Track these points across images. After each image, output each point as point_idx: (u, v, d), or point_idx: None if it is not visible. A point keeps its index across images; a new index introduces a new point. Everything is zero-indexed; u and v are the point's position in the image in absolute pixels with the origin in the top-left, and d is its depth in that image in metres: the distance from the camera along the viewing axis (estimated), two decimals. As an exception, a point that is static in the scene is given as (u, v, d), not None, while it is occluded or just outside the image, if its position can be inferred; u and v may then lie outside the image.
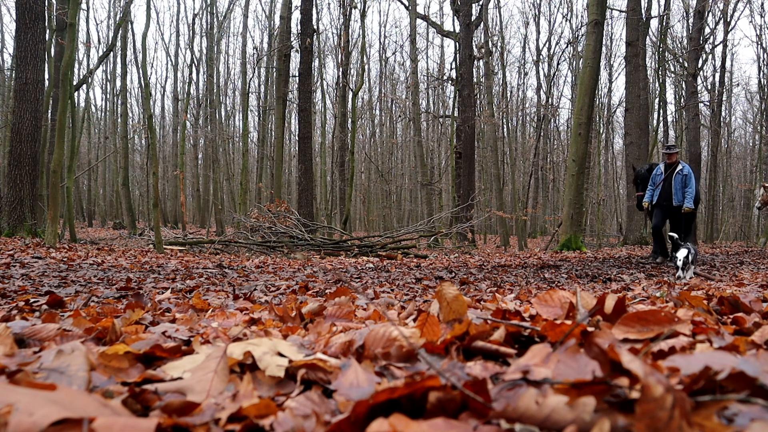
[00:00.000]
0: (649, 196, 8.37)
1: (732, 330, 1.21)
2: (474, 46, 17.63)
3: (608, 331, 0.99)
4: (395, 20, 63.90)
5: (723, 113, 26.55)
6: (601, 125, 26.75)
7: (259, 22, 46.59)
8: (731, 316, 1.43)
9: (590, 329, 0.94)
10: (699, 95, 21.35)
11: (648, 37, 19.98)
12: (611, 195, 29.57)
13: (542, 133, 26.92)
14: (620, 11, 19.54)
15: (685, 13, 25.03)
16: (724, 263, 8.23)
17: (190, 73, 24.69)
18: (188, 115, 27.50)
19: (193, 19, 28.94)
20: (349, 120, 19.44)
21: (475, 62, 18.59)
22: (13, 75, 13.59)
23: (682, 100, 24.08)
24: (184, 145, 21.98)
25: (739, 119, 37.54)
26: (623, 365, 0.64)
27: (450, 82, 20.22)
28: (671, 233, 7.00)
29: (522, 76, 31.22)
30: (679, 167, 8.13)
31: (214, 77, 28.64)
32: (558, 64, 27.79)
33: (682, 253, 5.88)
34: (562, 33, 40.35)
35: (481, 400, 0.65)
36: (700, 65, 21.40)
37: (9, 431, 0.54)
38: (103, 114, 35.27)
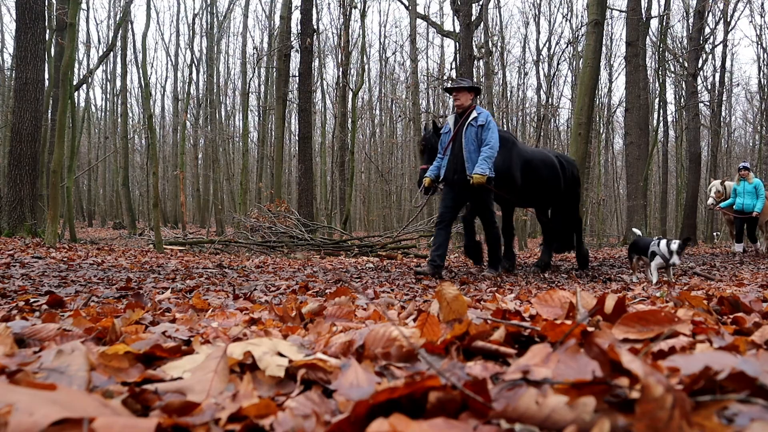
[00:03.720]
0: (434, 169, 5.90)
1: (732, 330, 1.21)
2: (474, 46, 17.62)
3: (608, 331, 0.99)
4: (395, 20, 63.88)
5: (723, 113, 26.54)
6: (601, 125, 26.75)
7: (259, 22, 46.60)
8: (731, 316, 1.43)
9: (590, 329, 0.94)
10: (699, 95, 21.35)
11: (648, 37, 19.97)
12: (611, 195, 29.57)
13: (542, 133, 26.90)
14: (620, 11, 19.54)
15: (685, 13, 25.03)
16: (724, 263, 8.23)
17: (190, 73, 24.69)
18: (188, 115, 27.49)
19: (193, 19, 28.94)
20: (349, 120, 19.44)
21: (475, 62, 18.58)
22: (13, 75, 13.59)
23: (682, 100, 24.07)
24: (184, 145, 21.98)
25: (739, 119, 37.53)
26: (623, 365, 0.64)
27: (450, 82, 20.21)
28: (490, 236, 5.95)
29: (522, 76, 31.20)
30: (473, 115, 5.66)
31: (214, 77, 28.64)
32: (558, 64, 27.78)
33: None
34: (562, 33, 40.32)
35: (481, 400, 0.65)
36: (700, 65, 21.40)
37: (9, 431, 0.54)
38: (103, 114, 35.28)
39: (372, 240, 10.63)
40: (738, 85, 32.46)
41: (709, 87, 26.12)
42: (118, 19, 25.03)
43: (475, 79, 18.21)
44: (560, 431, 0.59)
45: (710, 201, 11.03)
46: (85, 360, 0.84)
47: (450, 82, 19.73)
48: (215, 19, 28.79)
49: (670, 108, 28.00)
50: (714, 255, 10.85)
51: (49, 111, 14.12)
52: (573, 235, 7.27)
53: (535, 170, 6.53)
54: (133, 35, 29.35)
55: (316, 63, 24.49)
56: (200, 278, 4.33)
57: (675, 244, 5.03)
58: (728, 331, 1.16)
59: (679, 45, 26.18)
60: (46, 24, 11.70)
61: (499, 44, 24.15)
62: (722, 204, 10.62)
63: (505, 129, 28.15)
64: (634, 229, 5.83)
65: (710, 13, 21.74)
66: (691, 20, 21.95)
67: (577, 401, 0.61)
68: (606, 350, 0.76)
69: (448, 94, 6.12)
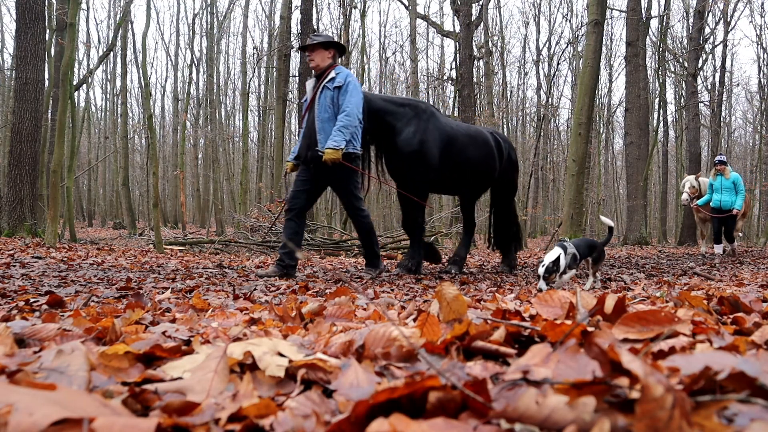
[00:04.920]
0: (296, 148, 4.97)
1: (732, 330, 1.21)
2: (474, 46, 17.62)
3: (608, 331, 0.99)
4: (395, 20, 63.89)
5: (723, 113, 26.54)
6: (601, 125, 26.76)
7: (259, 22, 46.61)
8: (731, 316, 1.43)
9: (590, 329, 0.94)
10: (699, 95, 21.36)
11: (648, 37, 19.98)
12: (611, 195, 29.57)
13: (542, 133, 26.90)
14: (620, 11, 19.55)
15: (685, 13, 25.04)
16: (724, 263, 8.23)
17: (190, 73, 24.70)
18: (188, 115, 27.50)
19: (193, 19, 28.95)
20: (349, 120, 19.40)
21: (475, 62, 18.58)
22: (13, 75, 13.59)
23: (682, 100, 24.08)
24: (184, 145, 21.98)
25: (739, 119, 37.53)
26: (623, 365, 0.64)
27: (450, 82, 20.23)
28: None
29: (522, 76, 31.23)
30: (330, 76, 4.71)
31: (214, 77, 28.64)
32: (558, 64, 27.77)
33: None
34: (562, 33, 40.39)
35: (481, 400, 0.65)
36: (700, 65, 21.41)
37: (9, 431, 0.54)
38: (103, 114, 35.28)
39: (372, 240, 10.62)
40: (738, 85, 32.49)
41: (709, 87, 26.13)
42: (118, 19, 25.04)
43: (475, 79, 18.20)
44: (560, 431, 0.59)
45: (684, 197, 10.34)
46: (85, 360, 0.84)
47: (450, 81, 19.69)
48: (215, 19, 28.80)
49: (670, 108, 28.03)
50: (714, 255, 10.83)
51: (49, 111, 14.12)
52: (514, 234, 6.42)
53: (460, 150, 5.52)
54: (133, 35, 29.36)
55: (316, 63, 24.45)
56: (200, 278, 4.33)
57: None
58: (728, 331, 1.16)
59: (679, 45, 26.20)
60: (46, 24, 11.70)
61: (499, 44, 24.15)
62: (699, 201, 9.83)
63: (504, 129, 28.14)
64: (603, 218, 5.00)
65: (710, 13, 21.75)
66: (691, 20, 21.96)
67: (577, 401, 0.61)
68: (606, 350, 0.76)
69: (304, 52, 4.92)
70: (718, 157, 9.54)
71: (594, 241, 4.74)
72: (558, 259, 4.06)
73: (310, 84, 4.94)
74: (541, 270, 4.01)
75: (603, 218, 4.95)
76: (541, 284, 4.01)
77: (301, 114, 4.99)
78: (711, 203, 9.38)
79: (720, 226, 9.39)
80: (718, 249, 9.37)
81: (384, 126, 5.31)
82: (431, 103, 31.16)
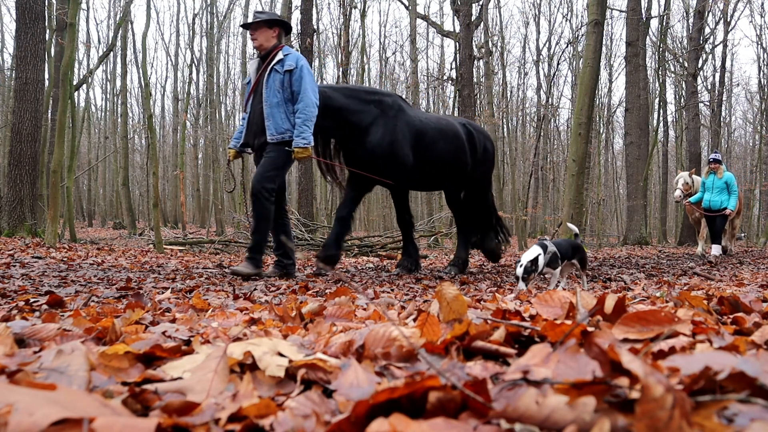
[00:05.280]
0: (237, 135, 4.80)
1: (732, 330, 1.21)
2: (474, 46, 17.62)
3: (608, 331, 0.99)
4: (395, 20, 63.92)
5: (723, 113, 26.55)
6: (601, 125, 26.75)
7: (259, 22, 46.49)
8: (731, 316, 1.43)
9: (590, 329, 0.94)
10: (699, 95, 21.36)
11: (648, 37, 19.98)
12: (611, 195, 29.56)
13: (542, 133, 26.91)
14: (620, 11, 19.55)
15: (685, 13, 25.04)
16: (724, 263, 8.23)
17: (190, 73, 24.71)
18: (188, 115, 27.50)
19: (193, 19, 28.96)
20: (349, 120, 19.41)
21: (475, 62, 18.58)
22: (13, 75, 13.60)
23: (682, 100, 24.08)
24: (184, 145, 21.97)
25: (739, 119, 37.53)
26: (623, 365, 0.64)
27: (450, 82, 20.23)
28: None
29: (522, 76, 31.23)
30: (278, 57, 4.45)
31: (214, 77, 28.63)
32: (558, 64, 27.80)
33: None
34: (562, 33, 40.42)
35: (481, 400, 0.65)
36: (700, 65, 21.41)
37: (9, 431, 0.54)
38: (103, 114, 35.28)
39: (372, 240, 10.63)
40: (738, 85, 32.50)
41: (709, 87, 26.14)
42: (118, 19, 25.04)
43: (475, 79, 18.20)
44: (560, 431, 0.59)
45: (677, 193, 9.94)
46: (85, 360, 0.84)
47: (450, 81, 19.67)
48: (215, 19, 28.80)
49: (670, 108, 28.03)
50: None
51: (49, 111, 14.12)
52: (492, 225, 6.21)
53: (430, 144, 5.33)
54: (133, 35, 29.35)
55: (316, 63, 24.51)
56: (200, 278, 4.33)
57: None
58: (728, 331, 1.16)
59: (679, 45, 26.20)
60: (46, 24, 11.70)
61: (499, 44, 24.14)
62: (692, 199, 9.44)
63: (504, 129, 28.11)
64: (570, 225, 4.77)
65: (710, 13, 21.75)
66: (691, 20, 21.97)
67: (577, 401, 0.61)
68: (606, 350, 0.76)
69: (246, 30, 4.61)
70: (712, 155, 9.14)
71: (578, 243, 4.56)
72: (537, 258, 3.89)
73: (253, 65, 4.65)
74: (519, 270, 3.84)
75: (569, 225, 4.85)
76: (521, 285, 3.82)
77: (245, 97, 4.64)
78: (702, 203, 9.06)
79: (715, 225, 9.01)
80: (716, 250, 8.85)
81: (348, 125, 5.04)
82: (431, 101, 31.22)
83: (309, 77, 4.43)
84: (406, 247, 5.75)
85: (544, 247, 4.06)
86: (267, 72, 4.47)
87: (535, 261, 3.88)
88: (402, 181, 5.36)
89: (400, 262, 5.78)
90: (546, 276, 4.34)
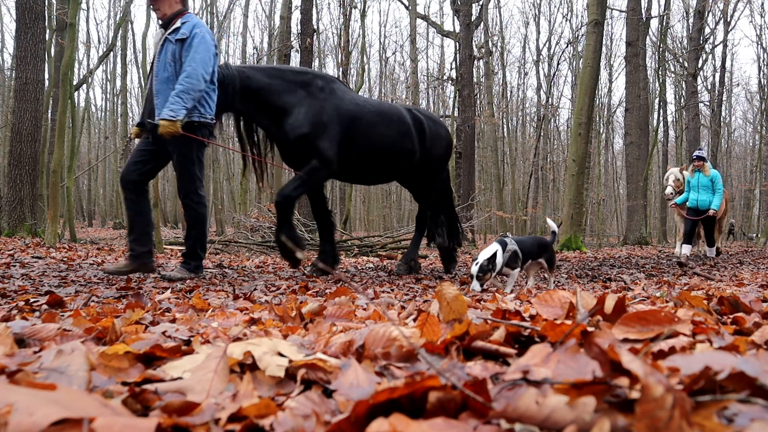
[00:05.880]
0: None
1: (732, 330, 1.21)
2: (474, 46, 17.64)
3: (608, 331, 0.99)
4: (395, 20, 63.99)
5: (723, 113, 26.57)
6: (601, 125, 26.77)
7: (259, 22, 46.68)
8: (731, 316, 1.43)
9: (590, 329, 0.94)
10: (699, 95, 21.38)
11: (648, 37, 19.99)
12: (611, 195, 29.58)
13: (542, 133, 26.93)
14: (620, 11, 19.55)
15: (685, 13, 25.06)
16: (724, 263, 8.23)
17: (190, 73, 24.62)
18: (188, 115, 27.44)
19: (193, 19, 28.92)
20: (349, 120, 19.42)
21: (475, 62, 18.59)
22: (13, 75, 13.60)
23: (682, 100, 24.09)
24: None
25: (739, 119, 37.56)
26: (623, 365, 0.64)
27: (450, 82, 20.23)
28: None
29: (522, 76, 31.26)
30: (175, 26, 3.95)
31: (214, 77, 28.58)
32: (558, 64, 27.83)
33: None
34: (562, 33, 40.46)
35: (481, 400, 0.65)
36: (700, 65, 21.42)
37: (9, 431, 0.54)
38: (103, 114, 35.28)
39: (372, 240, 10.63)
40: (738, 85, 32.54)
41: (709, 87, 26.16)
42: (118, 19, 25.04)
43: (475, 79, 18.20)
44: (560, 431, 0.59)
45: (668, 190, 9.38)
46: (85, 360, 0.84)
47: (450, 81, 19.65)
48: (215, 19, 28.77)
49: (670, 108, 28.05)
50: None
51: (49, 111, 14.13)
52: (455, 224, 5.77)
53: (368, 129, 4.82)
54: (133, 35, 29.36)
55: (316, 63, 24.50)
56: (200, 278, 4.32)
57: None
58: (728, 331, 1.16)
59: (679, 45, 26.22)
60: (46, 24, 11.70)
61: (499, 44, 24.15)
62: (678, 200, 8.87)
63: (504, 129, 28.09)
64: (549, 221, 4.47)
65: (710, 13, 21.77)
66: (691, 20, 21.98)
67: (577, 401, 0.61)
68: (606, 350, 0.76)
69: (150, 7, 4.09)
70: (696, 152, 8.60)
71: (545, 240, 4.21)
72: (494, 256, 3.55)
73: (156, 37, 4.14)
74: (474, 269, 3.50)
75: (548, 221, 4.54)
76: (474, 285, 3.48)
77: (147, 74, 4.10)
78: (688, 203, 8.56)
79: (693, 227, 8.50)
80: (685, 250, 8.32)
81: (270, 109, 4.57)
82: (431, 101, 31.17)
83: (202, 47, 3.86)
84: (327, 242, 5.12)
85: (504, 245, 3.71)
86: (161, 43, 3.96)
87: (492, 260, 3.53)
88: (326, 170, 4.73)
89: (313, 263, 5.31)
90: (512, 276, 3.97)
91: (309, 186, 4.80)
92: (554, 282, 4.19)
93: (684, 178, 9.42)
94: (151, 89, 4.03)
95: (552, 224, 4.42)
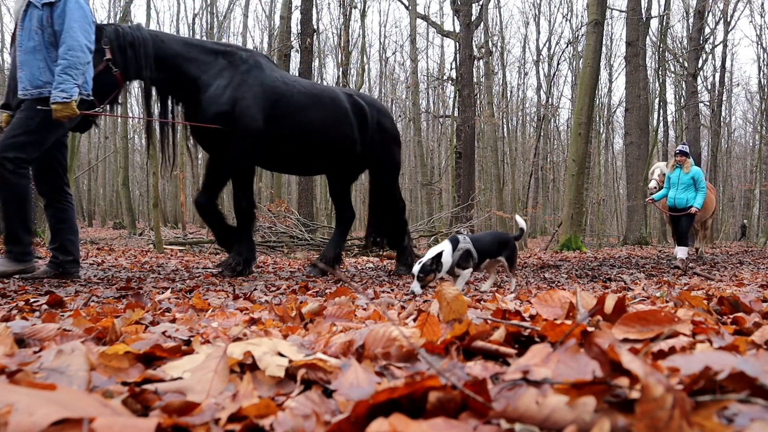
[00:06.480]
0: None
1: (732, 330, 1.21)
2: (474, 46, 17.64)
3: (608, 331, 0.99)
4: (395, 20, 64.07)
5: (723, 113, 26.58)
6: (601, 125, 26.79)
7: (259, 22, 46.71)
8: (731, 316, 1.43)
9: (590, 329, 0.94)
10: (699, 95, 21.39)
11: (648, 37, 20.00)
12: (611, 195, 29.59)
13: (542, 133, 26.93)
14: (620, 11, 19.56)
15: (685, 13, 25.07)
16: (724, 263, 8.22)
17: (190, 73, 24.65)
18: (188, 115, 27.46)
19: (193, 19, 28.98)
20: (349, 120, 19.43)
21: (475, 62, 18.59)
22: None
23: (682, 100, 24.10)
24: (185, 144, 21.96)
25: (739, 119, 37.57)
26: (623, 365, 0.64)
27: (450, 82, 20.24)
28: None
29: (522, 76, 31.28)
30: None
31: (214, 77, 28.59)
32: (558, 64, 27.84)
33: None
34: (562, 33, 40.48)
35: (481, 400, 0.65)
36: (700, 65, 21.43)
37: (9, 431, 0.54)
38: (103, 114, 35.23)
39: (372, 240, 10.63)
40: (738, 85, 32.57)
41: (709, 87, 26.17)
42: (118, 19, 25.04)
43: (475, 79, 18.20)
44: (560, 431, 0.59)
45: (652, 184, 8.89)
46: (85, 360, 0.84)
47: (450, 81, 19.64)
48: (215, 19, 28.77)
49: (670, 108, 28.06)
50: (714, 255, 10.82)
51: (49, 111, 14.09)
52: (398, 222, 5.22)
53: (295, 112, 4.36)
54: (133, 35, 29.32)
55: (316, 63, 24.52)
56: (200, 278, 4.33)
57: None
58: (728, 331, 1.16)
59: (679, 45, 26.22)
60: (46, 24, 11.67)
61: (499, 44, 24.15)
62: (656, 196, 8.35)
63: (504, 129, 28.10)
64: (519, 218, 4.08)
65: (710, 13, 21.78)
66: (691, 20, 21.99)
67: (577, 401, 0.61)
68: (606, 350, 0.76)
69: None
70: (680, 146, 8.05)
71: (506, 237, 3.87)
72: (439, 255, 3.28)
73: (17, 3, 3.63)
74: (416, 268, 3.24)
75: (517, 217, 4.19)
76: (414, 286, 3.19)
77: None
78: (666, 200, 8.08)
79: (682, 225, 8.00)
80: (681, 253, 7.79)
81: (183, 78, 4.16)
82: (430, 101, 31.13)
83: (78, 13, 3.44)
84: (236, 235, 4.56)
85: (455, 243, 3.41)
86: (24, 8, 3.49)
87: (436, 259, 3.26)
88: (246, 154, 4.30)
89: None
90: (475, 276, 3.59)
91: (246, 181, 4.40)
92: (517, 283, 3.89)
93: None
94: (14, 62, 3.56)
95: (520, 221, 4.11)
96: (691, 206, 7.66)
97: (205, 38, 29.18)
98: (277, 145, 4.43)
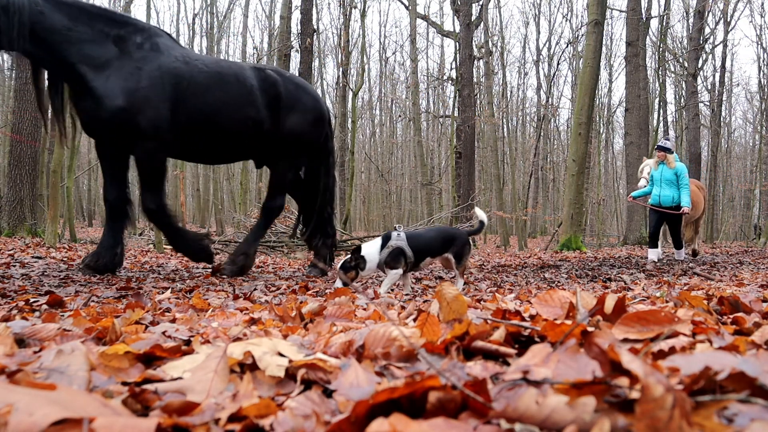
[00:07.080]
0: None
1: (732, 330, 1.21)
2: (474, 46, 17.64)
3: (608, 331, 0.99)
4: (395, 20, 64.04)
5: (723, 113, 26.57)
6: (601, 125, 26.77)
7: (259, 22, 46.68)
8: (731, 316, 1.43)
9: (590, 329, 0.94)
10: (699, 95, 21.39)
11: (648, 37, 19.99)
12: (611, 195, 29.57)
13: (542, 133, 26.92)
14: (620, 11, 19.55)
15: (685, 13, 25.05)
16: (725, 263, 8.22)
17: (190, 73, 24.64)
18: (188, 115, 27.44)
19: (193, 19, 28.98)
20: (349, 120, 19.44)
21: (475, 62, 18.59)
22: (13, 75, 13.59)
23: (682, 100, 24.09)
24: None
25: (739, 119, 37.55)
26: (623, 365, 0.64)
27: (450, 82, 20.24)
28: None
29: (522, 76, 31.27)
30: None
31: (214, 77, 28.59)
32: (558, 64, 27.82)
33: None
34: (562, 33, 40.48)
35: (481, 400, 0.65)
36: (700, 65, 21.42)
37: (9, 431, 0.54)
38: (103, 114, 35.22)
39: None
40: (738, 85, 32.56)
41: (709, 87, 26.16)
42: (118, 19, 25.02)
43: (475, 79, 18.20)
44: (560, 431, 0.59)
45: (641, 183, 8.36)
46: (85, 360, 0.84)
47: (450, 81, 19.62)
48: (215, 19, 28.79)
49: (670, 108, 28.04)
50: (714, 255, 10.82)
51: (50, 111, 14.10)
52: (320, 216, 4.80)
53: (199, 93, 3.94)
54: (133, 35, 29.32)
55: (316, 63, 24.50)
56: (200, 278, 4.32)
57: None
58: (728, 331, 1.16)
59: (679, 45, 26.21)
60: (46, 24, 11.67)
61: (499, 44, 24.14)
62: (634, 193, 8.07)
63: (504, 129, 28.09)
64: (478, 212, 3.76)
65: (710, 13, 21.77)
66: (691, 20, 21.99)
67: (577, 401, 0.61)
68: (606, 350, 0.76)
69: None
70: (661, 142, 7.63)
71: (454, 233, 3.54)
72: (358, 250, 3.12)
73: None
74: (338, 264, 3.11)
75: (477, 210, 3.82)
76: (337, 283, 3.05)
77: None
78: (650, 198, 7.72)
79: (658, 227, 7.69)
80: (652, 255, 7.50)
81: (67, 64, 3.62)
82: (431, 101, 31.13)
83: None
84: (103, 238, 4.16)
85: (386, 240, 3.20)
86: None
87: (356, 256, 3.08)
88: (158, 152, 3.92)
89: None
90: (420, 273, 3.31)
91: (156, 179, 4.04)
92: (464, 282, 3.57)
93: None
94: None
95: (480, 214, 3.73)
96: (678, 205, 7.36)
97: (205, 39, 29.21)
98: (182, 133, 4.01)
